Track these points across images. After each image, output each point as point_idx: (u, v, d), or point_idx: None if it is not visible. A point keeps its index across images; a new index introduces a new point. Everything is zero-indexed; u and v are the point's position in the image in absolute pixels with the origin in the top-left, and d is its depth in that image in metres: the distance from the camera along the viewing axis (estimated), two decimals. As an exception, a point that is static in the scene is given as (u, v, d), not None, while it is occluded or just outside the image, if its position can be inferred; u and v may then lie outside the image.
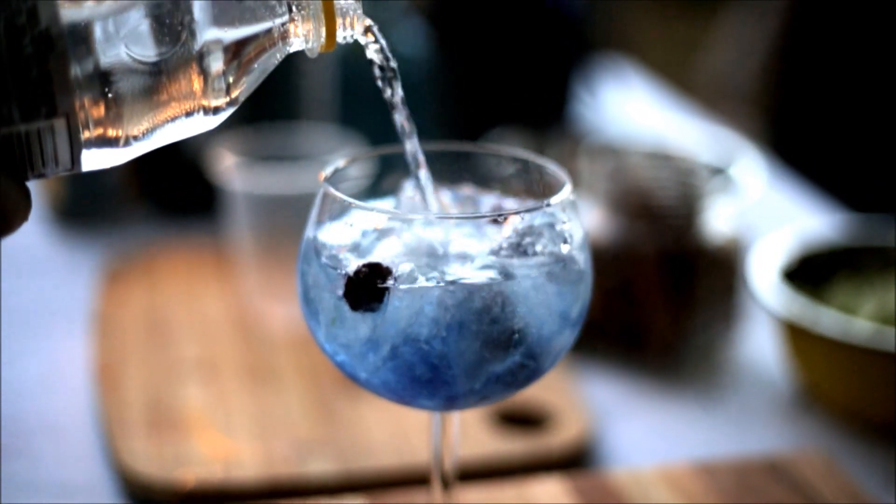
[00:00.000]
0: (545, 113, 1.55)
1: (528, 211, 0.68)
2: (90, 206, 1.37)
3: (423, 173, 0.71)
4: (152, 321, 1.15)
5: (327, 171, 0.71)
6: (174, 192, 1.39)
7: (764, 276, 1.06)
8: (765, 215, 1.33)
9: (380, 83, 0.69)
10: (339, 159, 0.74)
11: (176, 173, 1.37)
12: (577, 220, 0.70)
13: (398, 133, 0.70)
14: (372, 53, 0.68)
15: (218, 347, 1.11)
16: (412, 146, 0.70)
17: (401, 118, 0.69)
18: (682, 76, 3.25)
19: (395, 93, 0.69)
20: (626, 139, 1.37)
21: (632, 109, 1.82)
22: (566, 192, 0.69)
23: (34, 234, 1.35)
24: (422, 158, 0.70)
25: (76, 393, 1.05)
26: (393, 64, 0.68)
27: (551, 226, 0.69)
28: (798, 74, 1.97)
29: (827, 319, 0.99)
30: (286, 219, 1.10)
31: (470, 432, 0.96)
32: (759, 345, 1.13)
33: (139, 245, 1.31)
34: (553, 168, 0.73)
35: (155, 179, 1.39)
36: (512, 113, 1.48)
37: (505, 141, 1.36)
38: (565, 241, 0.69)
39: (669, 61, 3.79)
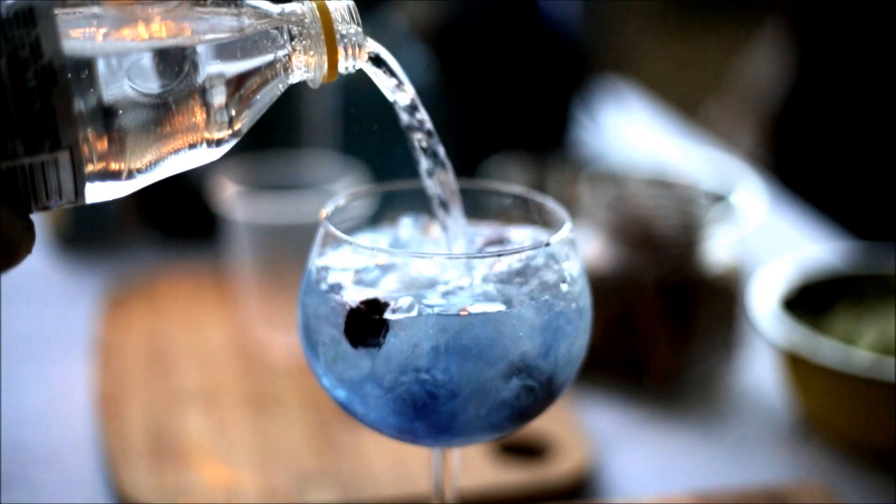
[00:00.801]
0: (546, 138, 1.55)
1: (527, 250, 0.68)
2: (92, 233, 1.37)
3: (452, 208, 0.71)
4: (154, 349, 1.16)
5: (328, 208, 0.72)
6: (176, 218, 1.39)
7: (764, 305, 1.06)
8: (766, 242, 1.34)
9: (404, 117, 0.69)
10: (339, 196, 0.74)
11: (178, 199, 1.38)
12: (577, 256, 0.71)
13: (419, 164, 0.70)
14: (383, 85, 0.68)
15: (219, 376, 1.11)
16: (444, 179, 0.70)
17: (427, 150, 0.70)
18: (682, 94, 3.25)
19: (420, 121, 0.69)
20: (627, 166, 1.37)
21: (632, 133, 1.82)
22: (566, 230, 0.70)
23: (36, 260, 1.34)
24: (454, 191, 0.71)
25: (77, 421, 1.05)
26: (409, 89, 0.68)
27: (550, 262, 0.69)
28: (801, 97, 1.97)
29: (827, 349, 1.00)
30: (287, 248, 1.10)
31: (470, 462, 0.96)
32: (759, 374, 1.13)
33: (141, 271, 1.32)
34: (553, 206, 0.73)
35: (157, 205, 1.40)
36: (513, 139, 1.48)
37: (506, 167, 1.36)
38: (563, 280, 0.69)
39: (670, 78, 3.80)
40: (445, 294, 0.67)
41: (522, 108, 1.53)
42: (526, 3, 1.52)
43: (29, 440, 1.02)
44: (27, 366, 1.13)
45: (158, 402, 1.06)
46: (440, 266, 0.69)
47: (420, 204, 0.74)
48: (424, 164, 0.70)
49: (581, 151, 1.60)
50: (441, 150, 0.70)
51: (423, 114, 0.69)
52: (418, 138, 0.70)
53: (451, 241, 0.72)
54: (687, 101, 3.05)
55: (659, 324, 1.09)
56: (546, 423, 1.00)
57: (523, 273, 0.68)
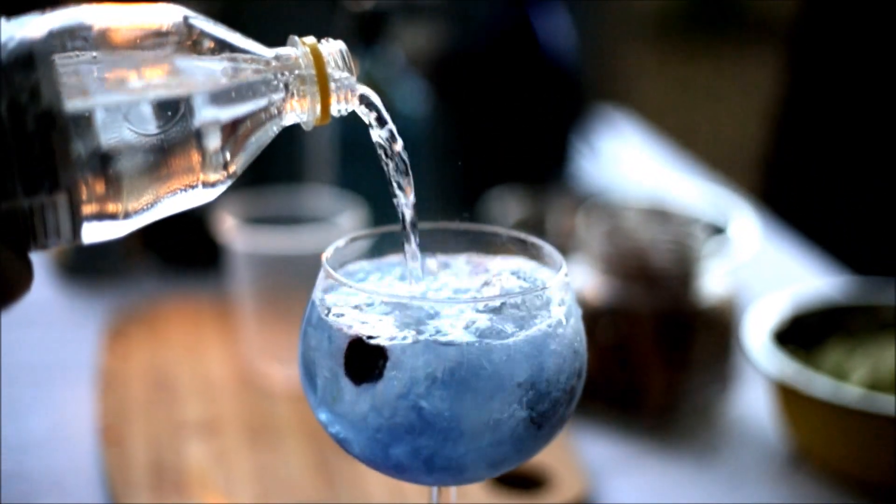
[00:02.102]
0: (545, 170, 1.57)
1: (524, 294, 0.70)
2: (94, 262, 1.38)
3: (416, 262, 0.73)
4: (155, 378, 1.17)
5: (328, 251, 0.73)
6: (177, 248, 1.41)
7: (757, 338, 1.08)
8: (760, 274, 1.35)
9: (385, 167, 0.71)
10: (341, 239, 0.75)
11: (179, 230, 1.39)
12: (571, 292, 0.72)
13: (398, 212, 0.72)
14: (375, 135, 0.70)
15: (220, 406, 1.12)
16: (410, 235, 0.72)
17: (403, 204, 0.71)
18: (680, 121, 3.27)
19: (400, 176, 0.70)
20: (624, 197, 1.39)
21: (629, 163, 1.84)
22: (562, 274, 0.71)
23: (38, 289, 1.35)
24: (415, 249, 0.72)
25: (79, 450, 1.05)
26: (398, 145, 0.70)
27: (545, 298, 0.71)
28: (796, 126, 1.98)
29: (819, 382, 1.01)
30: (287, 279, 1.12)
31: (468, 494, 0.97)
32: (753, 406, 1.15)
33: (143, 300, 1.33)
34: (550, 249, 0.75)
35: (158, 236, 1.41)
36: (511, 170, 1.50)
37: (505, 199, 1.38)
38: (558, 316, 0.70)
39: (667, 103, 3.82)
40: (443, 326, 0.68)
41: (521, 139, 1.55)
42: (523, 34, 1.54)
43: (31, 468, 1.03)
44: (29, 394, 1.14)
45: (159, 431, 1.07)
46: (442, 302, 0.71)
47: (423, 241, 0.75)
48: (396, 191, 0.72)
49: (579, 183, 1.61)
50: (407, 182, 0.71)
51: (403, 155, 0.71)
52: (391, 167, 0.71)
53: (417, 269, 0.73)
54: (684, 125, 3.06)
55: (654, 355, 1.10)
56: (543, 455, 1.01)
57: (519, 308, 0.70)
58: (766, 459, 1.07)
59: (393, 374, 0.67)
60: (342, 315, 0.70)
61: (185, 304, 1.32)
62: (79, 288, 1.38)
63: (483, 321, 0.69)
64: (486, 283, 0.74)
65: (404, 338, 0.67)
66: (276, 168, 1.41)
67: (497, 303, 0.69)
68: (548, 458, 1.01)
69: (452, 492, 0.76)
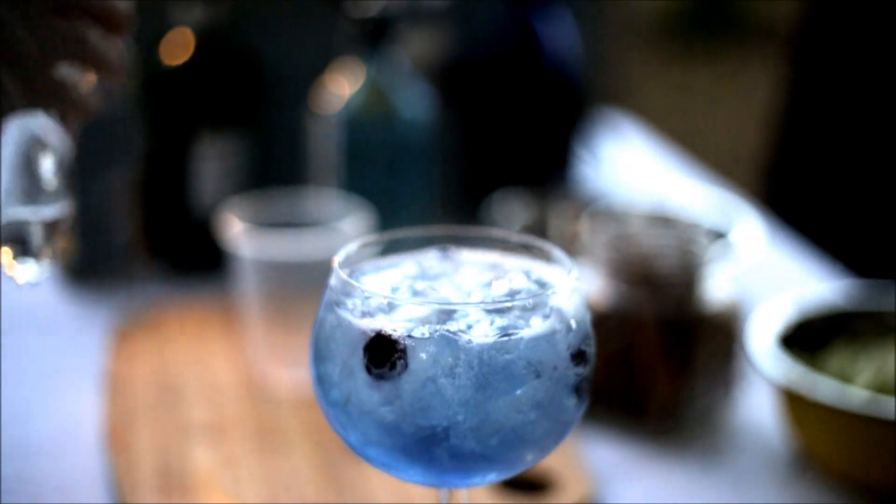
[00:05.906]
0: (548, 174, 1.57)
1: (533, 297, 0.71)
2: (101, 267, 1.39)
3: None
4: (161, 382, 1.17)
5: (339, 256, 0.73)
6: (183, 253, 1.41)
7: (762, 343, 1.08)
8: (764, 279, 1.35)
9: None
10: (351, 244, 0.76)
11: (185, 235, 1.39)
12: (582, 299, 0.73)
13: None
14: None
15: (226, 410, 1.13)
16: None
17: None
18: (681, 126, 3.27)
19: None
20: (627, 202, 1.39)
21: (632, 168, 1.84)
22: (572, 276, 0.72)
23: (45, 293, 1.37)
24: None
25: (86, 453, 1.06)
26: None
27: (556, 301, 0.71)
28: (798, 130, 1.98)
29: (824, 386, 1.01)
30: (292, 284, 1.12)
31: (474, 498, 0.97)
32: (757, 410, 1.15)
33: (149, 305, 1.33)
34: (559, 254, 0.75)
35: (165, 240, 1.42)
36: (515, 175, 1.50)
37: (508, 204, 1.38)
38: (568, 320, 0.71)
39: (669, 108, 3.82)
40: (458, 323, 0.69)
41: (524, 144, 1.55)
42: (527, 40, 1.54)
43: (37, 472, 1.03)
44: (35, 398, 1.15)
45: (166, 435, 1.08)
46: (457, 298, 0.72)
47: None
48: None
49: (582, 187, 1.62)
50: None
51: None
52: None
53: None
54: (686, 130, 3.06)
55: (659, 360, 1.11)
56: (548, 459, 1.01)
57: (532, 308, 0.70)
58: (771, 464, 1.08)
59: (410, 369, 0.68)
60: (361, 309, 0.71)
61: (190, 308, 1.32)
62: (85, 293, 1.38)
63: (497, 319, 0.70)
64: (500, 282, 0.75)
65: (422, 333, 0.68)
66: (282, 172, 1.42)
67: (510, 302, 0.70)
68: (553, 461, 1.02)
69: (463, 495, 0.76)
